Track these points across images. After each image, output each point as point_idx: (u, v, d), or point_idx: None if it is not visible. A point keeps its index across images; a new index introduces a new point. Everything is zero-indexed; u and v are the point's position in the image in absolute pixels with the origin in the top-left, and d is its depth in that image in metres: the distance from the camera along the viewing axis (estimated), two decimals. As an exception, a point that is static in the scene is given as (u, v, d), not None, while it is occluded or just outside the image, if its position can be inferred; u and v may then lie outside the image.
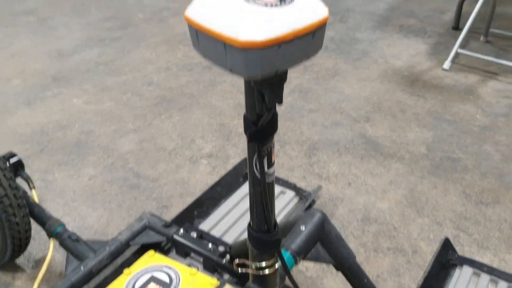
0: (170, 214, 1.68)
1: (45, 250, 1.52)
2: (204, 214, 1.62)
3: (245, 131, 0.81)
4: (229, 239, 1.52)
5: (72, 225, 1.62)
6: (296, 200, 1.69)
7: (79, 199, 1.75)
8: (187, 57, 2.80)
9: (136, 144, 2.05)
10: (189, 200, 1.73)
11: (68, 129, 2.14)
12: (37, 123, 2.18)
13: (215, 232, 1.55)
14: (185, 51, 2.88)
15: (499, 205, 1.72)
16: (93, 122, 2.19)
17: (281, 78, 0.72)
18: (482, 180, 1.84)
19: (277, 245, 0.90)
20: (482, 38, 3.00)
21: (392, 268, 1.48)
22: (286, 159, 1.95)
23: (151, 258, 1.30)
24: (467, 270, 1.42)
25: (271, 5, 0.64)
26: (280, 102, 0.75)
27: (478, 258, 1.51)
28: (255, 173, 0.82)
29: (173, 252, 1.46)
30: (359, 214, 1.68)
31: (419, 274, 1.46)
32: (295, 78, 2.57)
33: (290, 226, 1.11)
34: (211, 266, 1.38)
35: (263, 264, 0.95)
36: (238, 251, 1.30)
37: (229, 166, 1.90)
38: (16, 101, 2.35)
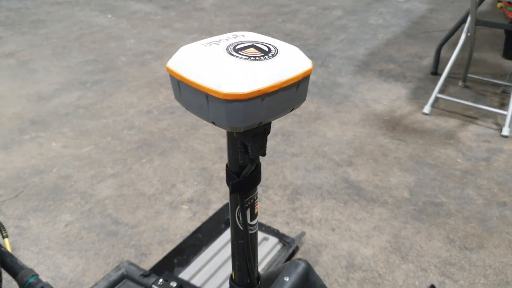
0: (149, 263, 1.61)
1: (15, 301, 1.44)
2: (185, 262, 1.57)
3: (227, 182, 0.79)
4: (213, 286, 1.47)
5: (46, 275, 1.55)
6: (279, 246, 1.65)
7: (54, 247, 1.68)
8: (169, 100, 2.79)
9: (115, 189, 2.00)
10: (169, 247, 1.69)
11: (45, 173, 2.09)
12: (13, 168, 2.12)
13: (196, 281, 1.50)
14: (166, 94, 2.88)
15: (483, 250, 1.70)
16: (71, 166, 2.14)
17: (264, 129, 0.71)
18: (466, 224, 1.83)
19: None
20: (460, 83, 3.07)
21: (378, 318, 1.44)
22: (269, 204, 1.92)
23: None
24: (455, 319, 1.39)
25: (255, 58, 0.64)
26: (264, 154, 0.73)
27: (465, 306, 1.48)
28: (238, 225, 0.79)
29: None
30: (344, 261, 1.65)
31: (406, 324, 1.42)
32: (278, 121, 2.58)
33: (274, 277, 1.07)
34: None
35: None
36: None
37: (211, 212, 1.86)
38: (-8, 145, 2.29)
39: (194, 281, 1.49)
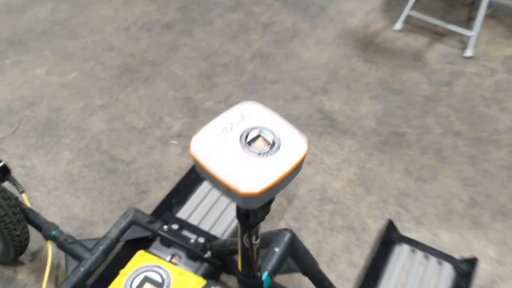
0: (149, 200, 1.84)
1: (39, 243, 1.67)
2: (181, 202, 1.80)
3: (237, 217, 0.95)
4: (206, 226, 1.72)
5: (59, 216, 1.76)
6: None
7: (61, 187, 1.87)
8: (145, 14, 2.78)
9: (107, 123, 2.13)
10: (165, 184, 1.90)
11: (36, 106, 2.18)
12: (3, 99, 2.20)
13: (193, 220, 1.74)
14: (141, 6, 2.85)
15: (436, 181, 2.00)
16: (60, 97, 2.23)
17: (270, 201, 0.87)
18: (423, 155, 2.10)
19: (261, 285, 1.11)
20: (431, -8, 3.13)
21: (344, 246, 1.76)
22: (251, 138, 2.11)
23: (142, 258, 1.50)
24: (406, 248, 1.72)
25: (264, 154, 0.78)
26: (267, 213, 0.90)
27: (414, 233, 1.81)
28: (245, 244, 1.00)
29: (158, 242, 1.65)
30: (317, 194, 1.92)
31: (367, 251, 1.74)
32: (256, 40, 2.65)
33: (266, 242, 1.32)
34: (193, 257, 1.59)
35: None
36: (218, 250, 1.51)
37: (199, 147, 2.05)
38: (-25, 72, 2.32)
39: (191, 220, 1.73)
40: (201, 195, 1.82)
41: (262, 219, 0.91)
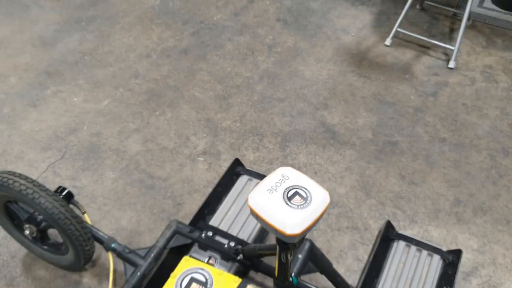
0: (184, 211, 2.19)
1: (97, 251, 2.02)
2: (212, 211, 2.15)
3: (278, 243, 1.29)
4: (234, 231, 2.07)
5: (110, 228, 2.11)
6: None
7: (109, 203, 2.22)
8: (162, 40, 3.11)
9: (142, 144, 2.48)
10: (196, 196, 2.25)
11: (78, 132, 2.52)
12: (50, 127, 2.54)
13: (223, 226, 2.09)
14: (158, 32, 3.17)
15: (425, 184, 2.35)
16: (98, 123, 2.57)
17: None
18: (414, 161, 2.45)
19: (293, 286, 1.46)
20: (418, 6, 3.47)
21: (350, 243, 2.12)
22: (265, 153, 2.46)
23: (188, 262, 1.84)
24: (401, 243, 2.08)
25: (301, 206, 1.13)
26: (301, 243, 1.25)
27: (409, 230, 2.17)
28: (282, 260, 1.34)
29: (196, 247, 2.00)
30: (325, 200, 2.27)
31: (369, 247, 2.10)
32: (262, 62, 2.99)
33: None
34: (226, 259, 1.94)
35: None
36: (249, 253, 1.86)
37: (222, 162, 2.40)
38: (21, 103, 2.65)
39: (221, 227, 2.08)
40: (228, 205, 2.17)
41: (297, 247, 1.27)
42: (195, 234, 1.97)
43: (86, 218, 1.92)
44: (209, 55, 3.02)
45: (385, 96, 2.80)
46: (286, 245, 1.26)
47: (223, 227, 2.08)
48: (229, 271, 1.91)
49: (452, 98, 2.80)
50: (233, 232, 2.06)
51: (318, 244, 2.00)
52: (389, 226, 2.14)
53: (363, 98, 2.78)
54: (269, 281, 1.93)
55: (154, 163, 2.39)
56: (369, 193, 2.31)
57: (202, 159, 2.43)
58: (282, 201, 1.15)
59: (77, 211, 1.86)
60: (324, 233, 2.14)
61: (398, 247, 2.06)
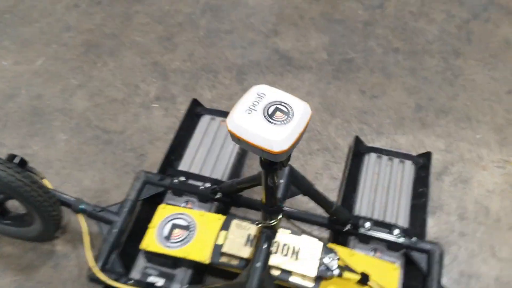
0: (149, 161, 2.08)
1: (65, 217, 1.90)
2: (179, 157, 2.05)
3: (262, 167, 1.21)
4: (207, 172, 1.99)
5: (73, 190, 1.98)
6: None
7: (67, 166, 2.07)
8: (89, -13, 2.85)
9: (88, 100, 2.30)
10: (159, 144, 2.14)
11: (16, 97, 2.30)
12: (-19, 97, 2.30)
13: (194, 169, 2.00)
14: (83, -22, 2.90)
15: (386, 95, 2.34)
16: (36, 84, 2.36)
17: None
18: (371, 75, 2.43)
19: (281, 210, 1.40)
20: None
21: (324, 164, 2.10)
22: (222, 89, 2.36)
23: (164, 210, 1.77)
24: (373, 155, 2.08)
25: (283, 121, 1.04)
26: (288, 161, 1.18)
27: (377, 142, 2.17)
28: (269, 184, 1.27)
29: (170, 194, 1.92)
30: (291, 126, 2.21)
31: (342, 165, 2.09)
32: (201, -5, 2.82)
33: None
34: (205, 200, 1.87)
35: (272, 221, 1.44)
36: (228, 189, 1.80)
37: (178, 106, 2.28)
38: None
39: (192, 170, 2.00)
40: (194, 148, 2.07)
41: (285, 166, 1.19)
42: (167, 181, 1.88)
43: (47, 183, 1.77)
44: (143, -4, 2.81)
45: (333, 14, 2.72)
46: (273, 166, 1.19)
47: (194, 170, 2.00)
48: (209, 211, 1.85)
49: (398, 7, 2.77)
50: (205, 173, 1.98)
51: (293, 170, 1.96)
52: (358, 141, 2.13)
53: (312, 19, 2.69)
54: (251, 214, 1.89)
55: (106, 117, 2.24)
56: (333, 113, 2.27)
57: (157, 105, 2.29)
58: (263, 120, 1.07)
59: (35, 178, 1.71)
60: (297, 159, 2.10)
61: (370, 159, 2.06)
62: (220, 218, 1.71)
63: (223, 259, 1.62)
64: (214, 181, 1.90)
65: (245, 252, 1.60)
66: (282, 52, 2.52)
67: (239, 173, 2.01)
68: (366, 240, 1.79)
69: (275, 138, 1.04)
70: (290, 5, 2.76)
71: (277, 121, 1.06)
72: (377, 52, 2.53)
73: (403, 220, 1.86)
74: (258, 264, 1.40)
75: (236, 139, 1.08)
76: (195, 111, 2.19)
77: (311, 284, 1.56)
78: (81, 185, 2.01)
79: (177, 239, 1.69)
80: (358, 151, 2.09)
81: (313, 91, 2.36)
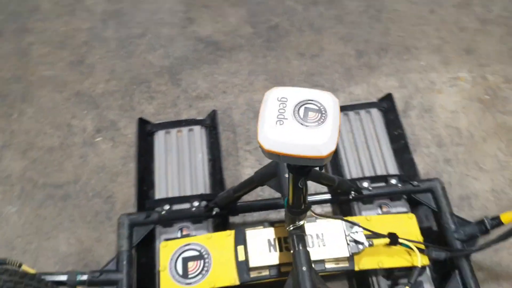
0: (120, 201, 1.89)
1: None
2: (151, 185, 1.88)
3: (292, 171, 1.11)
4: (187, 191, 1.84)
5: (53, 262, 1.75)
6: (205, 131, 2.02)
7: (32, 240, 1.81)
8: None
9: (22, 158, 2.01)
10: (121, 179, 1.95)
11: None
12: None
13: (173, 192, 1.85)
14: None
15: (324, 51, 2.30)
16: (-49, 161, 2.02)
17: None
18: (303, 35, 2.36)
19: (308, 209, 1.32)
20: None
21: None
22: (162, 97, 2.17)
23: (167, 248, 1.61)
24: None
25: (321, 121, 0.93)
26: None
27: (336, 100, 2.13)
28: (300, 186, 1.17)
29: (160, 228, 1.76)
30: (249, 112, 2.11)
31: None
32: (94, 4, 2.54)
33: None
34: (199, 221, 1.74)
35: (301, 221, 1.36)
36: (225, 201, 1.67)
37: (124, 131, 2.07)
38: None
39: (171, 194, 1.84)
40: (162, 170, 1.90)
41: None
42: (154, 216, 1.71)
43: (27, 269, 1.53)
44: (30, 24, 2.47)
45: (238, -16, 2.59)
46: (305, 168, 1.10)
47: (173, 193, 1.85)
48: (208, 231, 1.73)
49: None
50: (187, 192, 1.84)
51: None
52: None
53: (220, -5, 2.55)
54: (248, 217, 1.80)
55: (50, 170, 1.98)
56: (282, 83, 2.20)
57: (100, 138, 2.06)
58: (299, 126, 0.96)
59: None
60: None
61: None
62: (230, 234, 1.60)
63: (253, 274, 1.52)
64: (200, 197, 1.76)
65: (273, 258, 1.52)
66: (205, 39, 2.37)
67: (221, 180, 1.88)
68: (370, 200, 1.77)
69: (321, 141, 0.94)
70: (192, -13, 2.59)
71: (313, 122, 0.96)
72: (298, 10, 2.47)
73: (393, 168, 1.86)
74: (304, 268, 1.32)
75: (275, 156, 0.97)
76: (145, 131, 2.00)
77: (347, 264, 1.53)
78: (58, 254, 1.77)
79: (195, 272, 1.56)
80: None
81: (254, 69, 2.25)
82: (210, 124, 2.01)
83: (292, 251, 1.34)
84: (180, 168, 1.91)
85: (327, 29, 2.37)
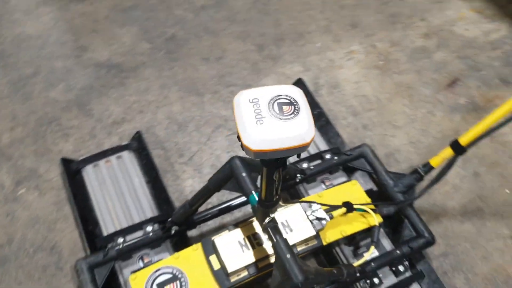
0: (66, 249, 1.77)
1: None
2: (95, 223, 1.79)
3: (267, 165, 1.14)
4: (136, 219, 1.79)
5: None
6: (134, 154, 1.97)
7: None
8: None
9: None
10: (61, 226, 1.84)
11: None
12: None
13: (121, 224, 1.78)
14: None
15: (227, 52, 2.35)
16: None
17: None
18: (201, 41, 2.39)
19: (278, 201, 1.35)
20: None
21: (228, 141, 2.06)
22: (78, 131, 2.06)
23: (138, 279, 1.56)
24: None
25: (295, 112, 0.98)
26: None
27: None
28: (274, 179, 1.20)
29: (119, 263, 1.68)
30: (172, 125, 2.09)
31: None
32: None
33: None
34: (158, 244, 1.70)
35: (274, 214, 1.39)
36: (182, 217, 1.66)
37: (48, 175, 1.94)
38: None
39: (119, 226, 1.77)
40: (102, 205, 1.82)
41: None
42: (111, 252, 1.64)
43: None
44: None
45: (123, 3, 2.54)
46: (282, 160, 1.15)
47: (122, 224, 1.79)
48: (169, 252, 1.70)
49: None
50: (136, 220, 1.79)
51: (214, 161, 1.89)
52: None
53: (107, 17, 2.47)
54: (204, 227, 1.81)
55: (-24, 238, 1.79)
56: (198, 91, 2.21)
57: (24, 189, 1.91)
58: (278, 120, 1.00)
59: None
60: (202, 151, 2.02)
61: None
62: (197, 248, 1.59)
63: (234, 278, 1.53)
64: (152, 221, 1.73)
65: (248, 257, 1.54)
66: (105, 64, 2.29)
67: (167, 198, 1.85)
68: (313, 179, 1.87)
69: (302, 130, 0.99)
70: (75, 14, 2.48)
71: (290, 114, 1.01)
72: (189, 17, 2.49)
73: (324, 146, 1.99)
74: (288, 255, 1.36)
75: (262, 154, 1.00)
76: (71, 170, 1.90)
77: (315, 242, 1.61)
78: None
79: (174, 295, 1.53)
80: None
81: (164, 82, 2.23)
82: (138, 147, 1.97)
83: (271, 244, 1.37)
84: (120, 198, 1.85)
85: (223, 31, 2.43)
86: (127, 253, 1.66)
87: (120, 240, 1.67)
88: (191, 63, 2.30)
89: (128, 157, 1.94)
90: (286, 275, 1.35)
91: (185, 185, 1.92)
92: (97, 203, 1.83)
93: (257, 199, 1.41)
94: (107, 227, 1.77)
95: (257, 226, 1.59)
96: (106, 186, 1.87)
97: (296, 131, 0.99)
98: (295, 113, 1.01)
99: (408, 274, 1.74)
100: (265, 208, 1.35)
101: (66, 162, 1.88)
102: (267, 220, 1.39)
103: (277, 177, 1.23)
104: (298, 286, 1.30)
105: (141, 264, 1.67)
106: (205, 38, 2.40)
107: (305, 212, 1.62)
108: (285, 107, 1.03)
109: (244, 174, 1.49)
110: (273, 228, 1.41)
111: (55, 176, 1.90)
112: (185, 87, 2.21)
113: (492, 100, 2.23)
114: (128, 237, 1.69)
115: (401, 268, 1.72)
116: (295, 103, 1.03)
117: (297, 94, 1.05)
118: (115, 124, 2.07)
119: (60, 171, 1.91)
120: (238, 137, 1.01)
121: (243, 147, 1.00)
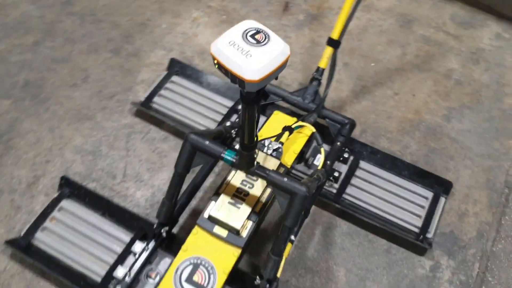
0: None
1: None
2: (82, 277, 1.72)
3: (245, 101, 1.25)
4: (117, 250, 1.77)
5: None
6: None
7: None
8: None
9: None
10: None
11: None
12: None
13: (108, 261, 1.75)
14: None
15: (88, 70, 2.32)
16: None
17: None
18: (62, 68, 2.30)
19: (256, 145, 1.48)
20: None
21: (151, 148, 2.10)
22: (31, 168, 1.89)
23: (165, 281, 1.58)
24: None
25: (266, 39, 1.12)
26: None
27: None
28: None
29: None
30: (87, 156, 2.04)
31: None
32: None
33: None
34: (155, 256, 1.71)
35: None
36: (166, 214, 1.69)
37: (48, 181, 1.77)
38: None
39: (103, 272, 1.73)
40: (75, 256, 1.76)
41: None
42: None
43: None
44: None
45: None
46: (255, 96, 1.26)
47: (108, 261, 1.75)
48: (169, 255, 1.73)
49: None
50: (117, 250, 1.77)
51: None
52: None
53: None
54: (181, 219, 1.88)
55: None
56: (91, 117, 2.17)
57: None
58: (262, 48, 1.13)
59: None
60: (130, 164, 2.03)
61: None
62: (196, 231, 1.64)
63: (244, 233, 1.64)
64: (135, 239, 1.74)
65: (245, 209, 1.62)
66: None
67: (131, 214, 1.84)
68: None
69: (281, 45, 1.15)
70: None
71: (264, 39, 1.15)
72: (28, 58, 2.36)
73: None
74: (285, 179, 1.49)
75: (263, 81, 1.12)
76: (21, 247, 1.76)
77: (283, 169, 1.79)
78: None
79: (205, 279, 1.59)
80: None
81: (51, 124, 2.13)
82: (72, 190, 1.90)
83: (265, 181, 1.53)
84: (89, 241, 1.82)
85: (71, 54, 2.37)
86: (133, 282, 1.65)
87: (119, 274, 1.66)
88: (63, 95, 2.23)
89: (68, 204, 1.87)
90: (291, 194, 1.51)
91: (137, 198, 1.94)
92: (70, 259, 1.76)
93: (231, 156, 1.54)
94: (97, 272, 1.73)
95: (235, 181, 1.70)
96: (67, 240, 1.80)
97: (279, 49, 1.16)
98: (267, 36, 1.17)
99: (352, 157, 2.07)
100: (249, 151, 1.48)
101: (11, 243, 1.74)
102: (256, 164, 1.53)
103: (258, 113, 1.38)
104: (306, 195, 1.49)
105: (150, 281, 1.69)
106: (60, 67, 2.32)
107: (262, 151, 1.79)
108: (257, 36, 1.18)
109: (207, 142, 1.59)
110: (259, 168, 1.56)
111: (7, 265, 1.75)
112: (73, 118, 2.15)
113: (321, 6, 2.63)
114: (123, 268, 1.68)
115: (346, 155, 2.04)
116: (261, 30, 1.19)
117: (255, 23, 1.21)
118: (32, 185, 1.95)
119: (8, 255, 1.75)
120: (235, 80, 1.13)
121: (245, 84, 1.12)
